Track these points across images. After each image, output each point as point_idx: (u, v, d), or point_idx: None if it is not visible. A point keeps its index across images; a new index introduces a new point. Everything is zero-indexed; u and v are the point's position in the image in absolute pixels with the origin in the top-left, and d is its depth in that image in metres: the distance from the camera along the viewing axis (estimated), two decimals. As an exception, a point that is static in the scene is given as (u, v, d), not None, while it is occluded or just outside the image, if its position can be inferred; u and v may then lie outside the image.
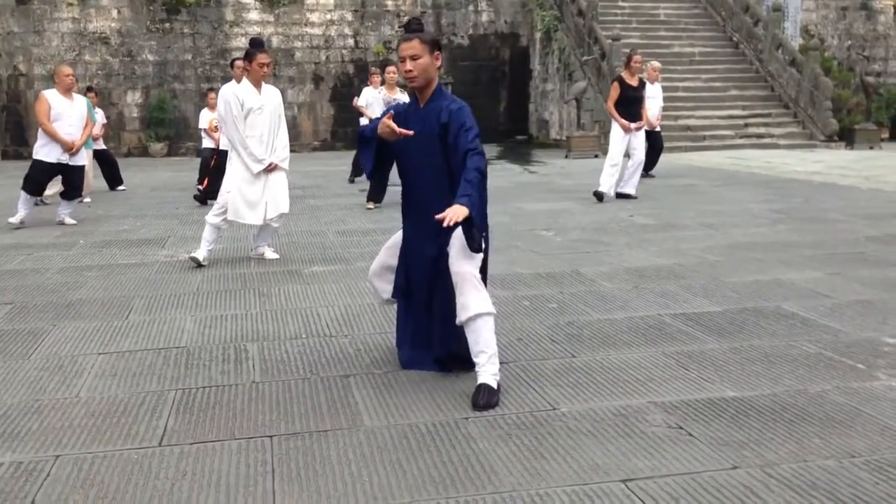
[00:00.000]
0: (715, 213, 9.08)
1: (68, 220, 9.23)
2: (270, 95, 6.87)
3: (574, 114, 18.31)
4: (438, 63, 3.83)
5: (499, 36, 22.53)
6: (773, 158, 15.28)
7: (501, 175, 14.10)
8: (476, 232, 3.59)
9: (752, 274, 6.10)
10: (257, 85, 6.77)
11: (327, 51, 21.34)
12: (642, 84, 10.86)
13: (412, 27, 3.84)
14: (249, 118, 6.71)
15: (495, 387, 3.67)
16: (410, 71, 3.79)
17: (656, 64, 13.48)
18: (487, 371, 3.68)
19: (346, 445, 3.24)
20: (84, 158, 9.36)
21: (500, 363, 4.12)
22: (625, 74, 10.72)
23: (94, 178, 12.30)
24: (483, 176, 3.64)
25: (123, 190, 12.69)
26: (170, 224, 9.18)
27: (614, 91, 10.60)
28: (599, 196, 10.20)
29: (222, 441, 3.30)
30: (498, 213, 9.47)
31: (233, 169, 6.80)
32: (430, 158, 3.84)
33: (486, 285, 3.84)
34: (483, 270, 3.85)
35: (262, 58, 6.66)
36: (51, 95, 9.00)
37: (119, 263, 6.99)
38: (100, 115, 12.83)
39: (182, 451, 3.22)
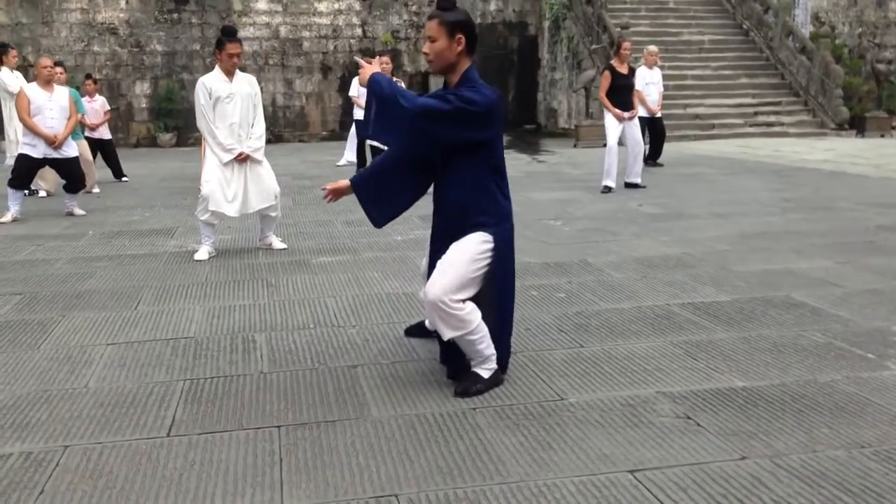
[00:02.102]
0: (724, 202, 9.03)
1: (77, 211, 9.24)
2: (243, 84, 6.73)
3: (583, 103, 18.23)
4: (460, 47, 3.48)
5: (507, 25, 22.43)
6: (782, 147, 15.19)
7: (510, 164, 13.95)
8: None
9: (762, 263, 6.07)
10: (228, 73, 6.66)
11: (335, 40, 21.29)
12: (633, 71, 10.76)
13: (440, 4, 3.52)
14: (218, 107, 6.62)
15: (485, 376, 3.66)
16: (427, 54, 3.55)
17: (653, 48, 13.25)
18: (479, 366, 3.68)
19: (354, 435, 3.25)
20: (74, 149, 9.17)
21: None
22: (615, 62, 10.64)
23: (98, 169, 12.30)
24: (389, 94, 3.42)
25: (127, 181, 12.65)
26: (178, 214, 9.18)
27: (605, 80, 10.52)
28: (609, 190, 10.16)
29: (230, 431, 3.31)
30: (506, 202, 9.45)
31: (208, 160, 6.75)
32: (449, 152, 3.59)
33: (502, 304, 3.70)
34: (504, 272, 3.68)
35: (231, 47, 6.54)
36: (30, 89, 8.92)
37: (128, 254, 7.00)
38: (99, 104, 12.64)
39: (190, 441, 3.23)
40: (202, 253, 6.78)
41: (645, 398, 3.55)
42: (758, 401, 3.50)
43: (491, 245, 3.59)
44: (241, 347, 4.39)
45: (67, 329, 4.78)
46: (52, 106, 8.87)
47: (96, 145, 12.46)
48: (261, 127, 6.87)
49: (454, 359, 3.77)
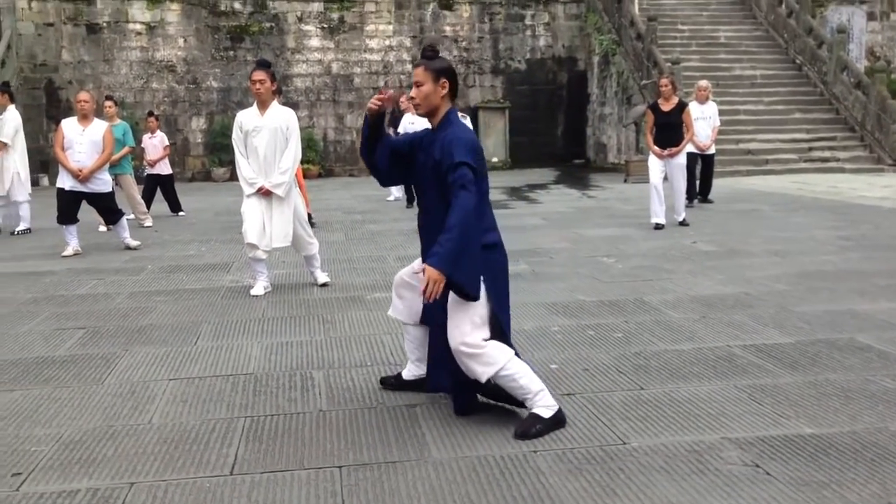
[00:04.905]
0: (781, 240, 8.88)
1: (131, 243, 9.39)
2: (275, 117, 6.68)
3: (632, 137, 18.19)
4: (444, 91, 3.78)
5: (556, 60, 22.54)
6: (839, 183, 14.92)
7: (560, 200, 14.04)
8: (462, 286, 3.51)
9: (824, 304, 5.94)
10: (261, 105, 6.68)
11: (386, 76, 21.58)
12: (680, 108, 10.60)
13: (425, 54, 3.85)
14: (248, 140, 6.67)
15: (545, 416, 3.64)
16: (413, 98, 3.83)
17: (703, 83, 13.12)
18: (535, 404, 3.66)
19: (416, 478, 3.23)
20: (107, 185, 9.19)
21: (566, 394, 4.11)
22: (659, 100, 10.66)
23: (155, 203, 12.57)
24: (467, 212, 3.49)
25: (184, 215, 12.89)
26: (234, 249, 9.32)
27: (648, 118, 10.70)
28: (659, 227, 10.07)
29: (292, 471, 3.32)
30: (558, 238, 9.43)
31: (243, 194, 6.84)
32: (433, 185, 3.77)
33: (502, 323, 3.73)
34: (503, 307, 3.76)
35: (253, 75, 6.60)
36: (66, 124, 9.11)
37: (186, 288, 7.12)
38: (158, 140, 12.90)
39: (253, 480, 3.24)
40: (258, 288, 6.85)
41: (710, 444, 3.48)
42: (828, 449, 3.40)
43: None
44: (300, 385, 4.42)
45: (130, 364, 4.86)
46: (83, 140, 8.95)
47: (156, 180, 12.74)
48: (287, 161, 6.70)
49: (461, 394, 3.88)
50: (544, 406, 3.66)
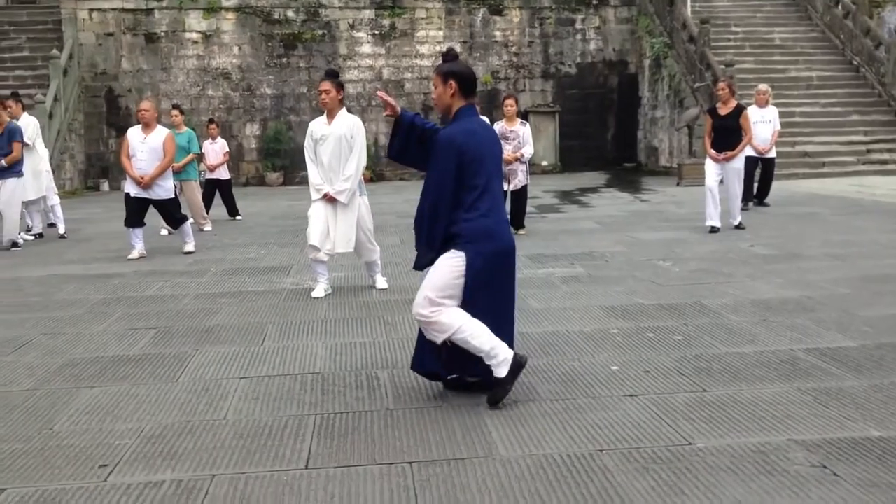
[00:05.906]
0: (840, 243, 8.77)
1: (185, 248, 9.65)
2: (340, 125, 6.84)
3: (685, 141, 18.04)
4: (452, 91, 4.14)
5: (607, 64, 22.46)
6: (899, 185, 14.64)
7: (612, 203, 14.01)
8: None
9: (888, 308, 5.88)
10: (329, 114, 6.87)
11: (436, 81, 21.74)
12: (738, 111, 10.44)
13: (444, 58, 4.26)
14: (317, 148, 6.86)
15: (503, 375, 3.98)
16: (433, 98, 4.34)
17: (763, 87, 12.91)
18: (493, 366, 3.99)
19: (484, 474, 3.31)
20: (169, 193, 9.40)
21: (629, 395, 4.17)
22: (718, 104, 10.59)
23: (214, 207, 12.85)
24: (423, 204, 4.11)
25: (241, 219, 13.15)
26: (292, 252, 9.51)
27: (706, 122, 10.69)
28: (714, 230, 10.01)
29: (364, 466, 3.43)
30: (613, 242, 9.44)
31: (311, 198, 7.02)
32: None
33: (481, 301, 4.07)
34: (492, 290, 4.08)
35: (320, 85, 6.81)
36: (130, 132, 9.38)
37: (249, 290, 7.30)
38: (219, 146, 13.19)
39: (328, 474, 3.36)
40: (318, 290, 7.01)
41: (776, 445, 3.50)
42: (897, 451, 3.40)
43: (461, 259, 4.02)
44: (366, 384, 4.53)
45: (201, 363, 5.03)
46: (144, 148, 9.20)
47: (214, 185, 13.04)
48: (350, 168, 6.83)
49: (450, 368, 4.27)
50: (497, 364, 3.95)
